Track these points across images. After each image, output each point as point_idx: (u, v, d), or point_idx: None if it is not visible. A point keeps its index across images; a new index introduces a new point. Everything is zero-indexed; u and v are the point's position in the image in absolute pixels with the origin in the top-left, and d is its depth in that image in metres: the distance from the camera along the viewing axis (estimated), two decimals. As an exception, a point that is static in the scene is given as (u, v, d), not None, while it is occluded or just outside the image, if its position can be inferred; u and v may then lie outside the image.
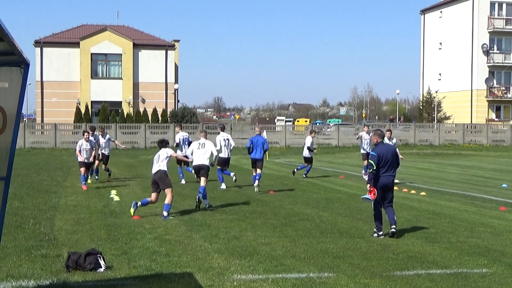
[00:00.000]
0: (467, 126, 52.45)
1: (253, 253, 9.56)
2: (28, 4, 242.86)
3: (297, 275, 8.26)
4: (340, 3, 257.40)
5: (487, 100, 61.07)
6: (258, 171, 18.42)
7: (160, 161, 13.32)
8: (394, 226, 11.07)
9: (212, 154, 15.44)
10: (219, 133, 19.82)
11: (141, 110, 50.88)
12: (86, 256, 8.40)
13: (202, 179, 14.83)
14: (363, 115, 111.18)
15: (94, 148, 19.60)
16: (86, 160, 18.91)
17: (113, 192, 17.29)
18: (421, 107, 65.18)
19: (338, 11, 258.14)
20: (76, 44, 52.80)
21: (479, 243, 10.64)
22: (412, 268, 8.80)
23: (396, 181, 21.77)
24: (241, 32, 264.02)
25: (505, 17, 61.34)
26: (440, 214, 13.92)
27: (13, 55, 5.60)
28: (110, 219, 12.84)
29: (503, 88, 61.89)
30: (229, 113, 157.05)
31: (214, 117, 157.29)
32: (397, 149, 12.76)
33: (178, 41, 61.60)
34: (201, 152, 15.19)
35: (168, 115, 50.82)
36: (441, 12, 66.63)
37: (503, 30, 60.92)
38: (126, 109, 51.67)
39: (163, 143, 13.70)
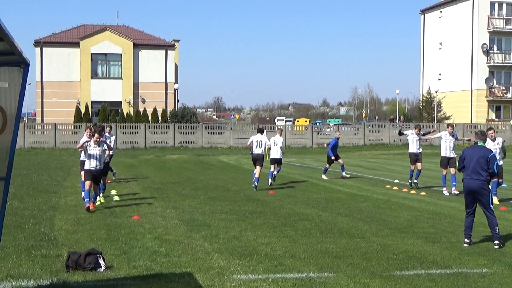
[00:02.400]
0: (467, 126, 52.44)
1: (253, 253, 9.55)
2: (28, 4, 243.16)
3: (297, 275, 8.26)
4: (340, 3, 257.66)
5: (487, 100, 61.05)
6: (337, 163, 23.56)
7: (260, 146, 18.66)
8: (496, 242, 10.24)
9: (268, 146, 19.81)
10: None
11: (141, 110, 50.87)
12: (86, 256, 8.39)
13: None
14: (363, 115, 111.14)
15: (105, 149, 14.62)
16: (94, 169, 14.07)
17: (113, 192, 17.28)
18: (421, 107, 65.18)
19: (338, 11, 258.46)
20: (76, 44, 52.78)
21: (479, 243, 10.64)
22: (412, 268, 8.80)
23: (395, 180, 22.05)
24: (241, 32, 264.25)
25: (505, 17, 61.31)
26: (440, 214, 13.91)
27: (13, 55, 5.60)
28: (110, 219, 12.83)
29: (503, 88, 61.86)
30: (229, 113, 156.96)
31: (214, 117, 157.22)
32: (494, 151, 11.46)
33: (178, 41, 61.57)
34: (276, 147, 19.88)
35: (168, 115, 50.81)
36: (441, 12, 66.61)
37: (503, 30, 60.89)
38: (126, 109, 51.65)
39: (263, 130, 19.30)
